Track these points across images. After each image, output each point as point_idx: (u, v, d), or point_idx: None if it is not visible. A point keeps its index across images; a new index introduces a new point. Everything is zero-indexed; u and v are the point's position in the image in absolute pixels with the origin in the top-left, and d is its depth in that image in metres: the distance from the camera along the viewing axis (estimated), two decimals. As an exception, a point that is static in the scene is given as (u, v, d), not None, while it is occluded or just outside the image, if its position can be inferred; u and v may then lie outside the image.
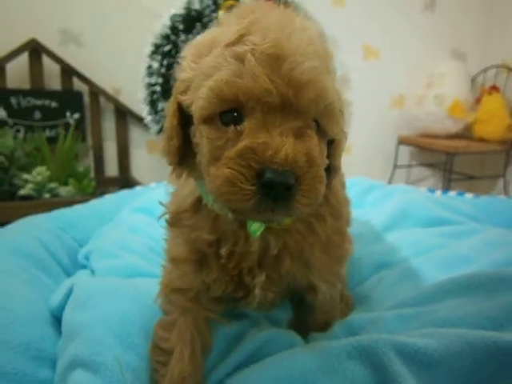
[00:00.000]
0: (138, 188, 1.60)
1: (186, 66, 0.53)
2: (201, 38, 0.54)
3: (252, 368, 0.63)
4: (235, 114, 0.48)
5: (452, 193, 1.61)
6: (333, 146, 0.56)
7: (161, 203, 0.68)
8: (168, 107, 0.57)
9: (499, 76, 2.59)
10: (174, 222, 0.64)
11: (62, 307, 0.80)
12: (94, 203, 1.39)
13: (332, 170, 0.57)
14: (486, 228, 1.18)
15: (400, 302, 0.79)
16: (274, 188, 0.44)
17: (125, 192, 1.54)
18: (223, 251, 0.60)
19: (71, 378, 0.61)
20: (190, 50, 0.55)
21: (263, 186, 0.44)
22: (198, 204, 0.62)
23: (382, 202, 1.43)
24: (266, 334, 0.71)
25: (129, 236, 1.08)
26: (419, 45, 2.65)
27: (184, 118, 0.55)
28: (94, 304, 0.74)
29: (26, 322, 0.73)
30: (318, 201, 0.49)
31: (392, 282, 0.94)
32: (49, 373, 0.68)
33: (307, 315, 0.78)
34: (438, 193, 1.61)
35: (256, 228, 0.56)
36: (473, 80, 2.70)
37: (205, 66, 0.49)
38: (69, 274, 1.03)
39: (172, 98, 0.56)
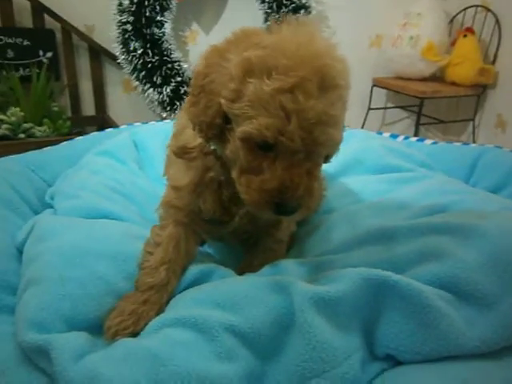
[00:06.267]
0: (109, 130, 1.64)
1: (236, 76, 0.63)
2: (252, 55, 0.62)
3: (186, 292, 0.74)
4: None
5: (412, 138, 1.68)
6: None
7: (172, 136, 0.85)
8: (204, 102, 0.67)
9: (477, 17, 2.56)
10: (181, 153, 0.79)
11: (25, 242, 0.88)
12: (65, 145, 1.43)
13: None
14: (431, 175, 1.25)
15: (323, 251, 0.90)
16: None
17: (96, 134, 1.58)
18: (223, 178, 0.76)
19: (23, 297, 0.71)
20: (239, 62, 0.63)
21: (279, 211, 0.65)
22: (205, 146, 0.76)
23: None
24: (204, 267, 0.81)
25: (89, 177, 1.12)
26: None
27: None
28: (51, 237, 0.83)
29: (-10, 257, 0.82)
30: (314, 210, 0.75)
31: (328, 227, 1.01)
32: (12, 299, 0.77)
33: (259, 254, 0.89)
34: (400, 138, 1.67)
35: None
36: (452, 20, 2.67)
37: (256, 97, 0.61)
38: (37, 213, 1.09)
39: (210, 95, 0.67)
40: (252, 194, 0.66)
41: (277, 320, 0.65)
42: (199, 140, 0.76)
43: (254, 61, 0.62)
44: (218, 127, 0.68)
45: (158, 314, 0.72)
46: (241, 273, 0.85)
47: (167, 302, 0.74)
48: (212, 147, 0.76)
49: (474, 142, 2.63)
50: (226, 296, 0.69)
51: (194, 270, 0.80)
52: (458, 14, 2.66)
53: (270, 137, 0.61)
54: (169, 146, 0.83)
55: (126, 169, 1.26)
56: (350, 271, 0.70)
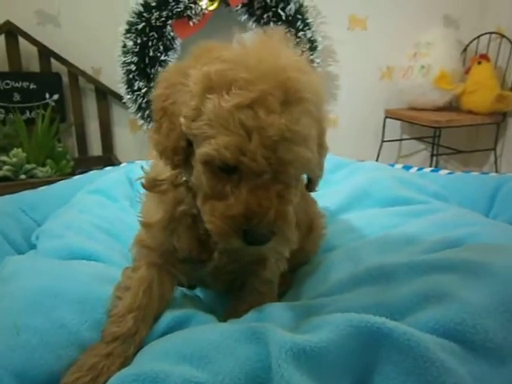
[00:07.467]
0: (108, 168, 1.62)
1: (195, 93, 0.57)
2: (212, 70, 0.57)
3: (155, 342, 0.66)
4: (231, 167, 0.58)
5: (427, 169, 1.60)
6: None
7: (142, 168, 0.77)
8: (167, 126, 0.61)
9: (492, 44, 2.49)
10: (151, 186, 0.73)
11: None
12: (61, 184, 1.40)
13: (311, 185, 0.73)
14: (445, 207, 1.17)
15: (318, 293, 0.81)
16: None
17: (94, 172, 1.55)
18: (195, 211, 0.68)
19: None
20: (198, 77, 0.58)
21: (248, 239, 0.59)
22: (177, 178, 0.70)
23: (346, 181, 1.41)
24: (181, 313, 0.73)
25: (76, 216, 1.09)
26: (409, 12, 2.54)
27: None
28: (15, 279, 0.78)
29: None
30: (290, 241, 0.72)
31: (328, 266, 0.94)
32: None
33: (246, 297, 0.81)
34: (413, 170, 1.60)
35: None
36: (465, 49, 2.60)
37: (215, 115, 0.55)
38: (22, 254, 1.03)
39: (172, 117, 0.61)
40: (216, 221, 0.59)
41: (250, 376, 0.56)
42: (170, 172, 0.69)
43: (214, 76, 0.56)
44: (183, 151, 0.61)
45: (121, 367, 0.63)
46: (225, 320, 0.76)
47: (136, 354, 0.66)
48: (184, 178, 0.69)
49: (496, 172, 2.51)
50: (195, 347, 0.60)
51: (168, 316, 0.72)
52: (471, 42, 2.60)
53: (231, 157, 0.55)
54: (139, 179, 0.76)
55: (117, 206, 1.22)
56: (337, 317, 0.61)
